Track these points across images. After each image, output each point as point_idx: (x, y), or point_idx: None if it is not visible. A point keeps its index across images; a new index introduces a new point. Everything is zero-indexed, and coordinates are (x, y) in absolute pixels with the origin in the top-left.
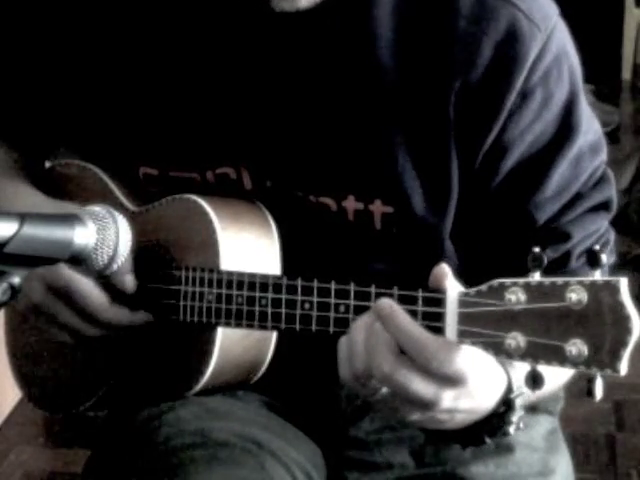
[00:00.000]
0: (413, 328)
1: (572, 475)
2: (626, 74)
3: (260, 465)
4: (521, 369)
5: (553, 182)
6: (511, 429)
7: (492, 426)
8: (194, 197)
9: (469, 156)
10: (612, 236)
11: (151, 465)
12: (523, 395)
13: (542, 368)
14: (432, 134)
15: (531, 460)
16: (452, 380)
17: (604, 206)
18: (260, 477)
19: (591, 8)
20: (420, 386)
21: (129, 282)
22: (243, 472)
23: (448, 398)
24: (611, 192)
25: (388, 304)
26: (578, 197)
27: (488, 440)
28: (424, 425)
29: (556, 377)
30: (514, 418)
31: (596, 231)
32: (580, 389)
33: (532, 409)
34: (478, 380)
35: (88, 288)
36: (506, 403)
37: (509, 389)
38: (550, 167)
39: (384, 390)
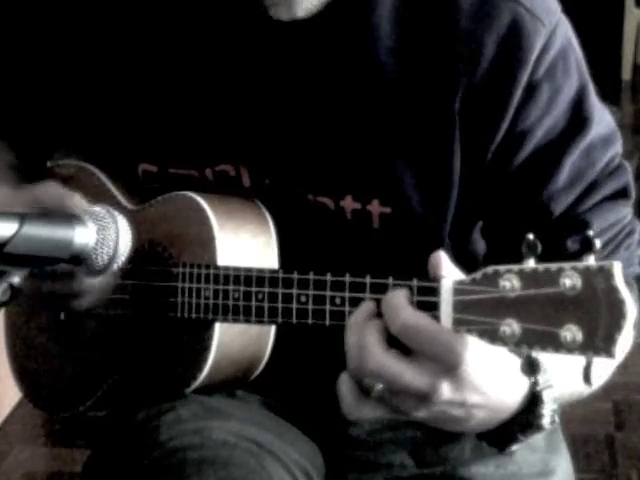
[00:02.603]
0: (409, 310)
1: (572, 475)
2: (626, 74)
3: (260, 465)
4: (549, 362)
5: (565, 173)
6: (544, 422)
7: (523, 422)
8: (191, 194)
9: (477, 154)
10: (638, 226)
11: (151, 465)
12: (552, 388)
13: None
14: (433, 134)
15: (531, 460)
16: (445, 367)
17: (622, 193)
18: (260, 477)
19: (591, 8)
20: (413, 376)
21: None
22: (243, 472)
23: (446, 388)
24: (628, 178)
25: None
26: (594, 186)
27: (522, 437)
28: (442, 425)
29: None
30: (544, 411)
31: (618, 221)
32: None
33: None
34: (480, 372)
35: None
36: (534, 397)
37: (535, 382)
38: (561, 158)
39: (379, 387)
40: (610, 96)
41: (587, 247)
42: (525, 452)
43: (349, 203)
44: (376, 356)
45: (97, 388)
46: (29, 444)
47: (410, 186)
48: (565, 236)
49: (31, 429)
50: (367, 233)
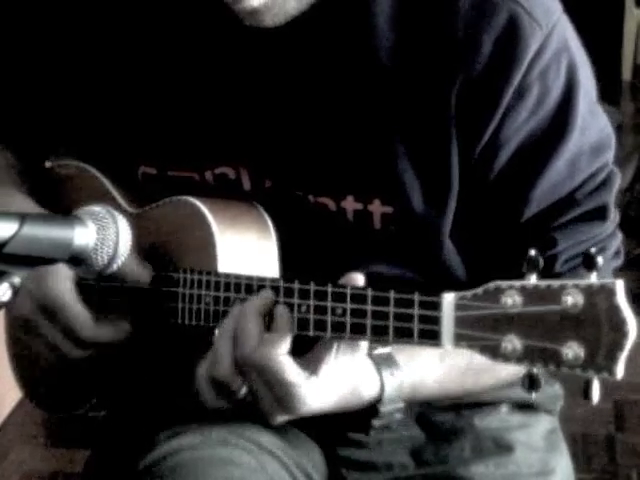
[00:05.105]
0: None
1: (572, 475)
2: (626, 74)
3: (260, 465)
4: (406, 375)
5: (548, 179)
6: (371, 432)
7: (355, 422)
8: (191, 199)
9: (468, 151)
10: (615, 242)
11: (151, 465)
12: (394, 405)
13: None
14: (432, 132)
15: (531, 460)
16: (283, 406)
17: (598, 213)
18: (260, 477)
19: (591, 8)
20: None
21: (143, 274)
22: (243, 472)
23: (281, 418)
24: (608, 198)
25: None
26: (572, 202)
27: (350, 434)
28: None
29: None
30: (376, 423)
31: (590, 239)
32: (580, 389)
33: (532, 408)
34: (314, 401)
35: (74, 306)
36: (372, 408)
37: (379, 399)
38: (545, 164)
39: (244, 390)
40: (610, 96)
41: (589, 265)
42: (525, 452)
43: (350, 203)
44: (226, 365)
45: (97, 390)
46: (29, 444)
47: (411, 184)
48: (528, 245)
49: (31, 429)
50: (368, 234)
